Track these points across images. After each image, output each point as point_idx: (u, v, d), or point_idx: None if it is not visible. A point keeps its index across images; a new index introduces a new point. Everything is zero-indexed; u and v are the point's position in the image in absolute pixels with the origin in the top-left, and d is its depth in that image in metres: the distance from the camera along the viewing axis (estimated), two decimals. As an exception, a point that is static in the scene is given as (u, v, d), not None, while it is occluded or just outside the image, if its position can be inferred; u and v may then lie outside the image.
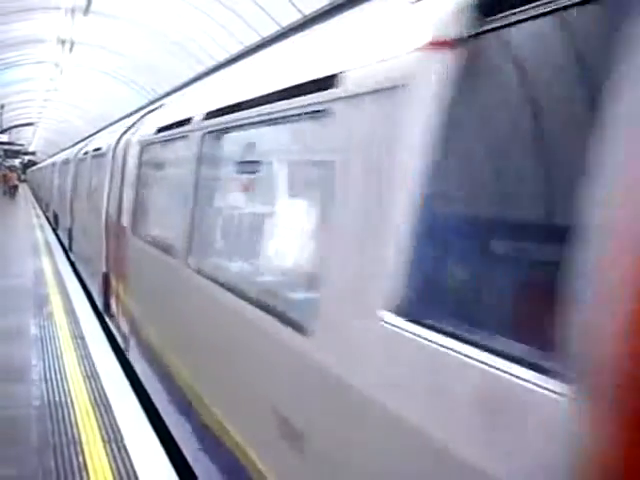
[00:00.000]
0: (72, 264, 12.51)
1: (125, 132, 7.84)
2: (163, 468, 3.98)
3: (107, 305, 7.69)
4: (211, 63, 22.06)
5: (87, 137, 18.15)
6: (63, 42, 30.18)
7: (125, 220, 6.49)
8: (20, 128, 53.91)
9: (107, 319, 7.66)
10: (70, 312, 8.19)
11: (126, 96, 37.06)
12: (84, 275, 10.57)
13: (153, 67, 31.39)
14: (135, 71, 34.52)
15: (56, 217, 18.75)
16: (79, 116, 51.19)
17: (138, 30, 27.88)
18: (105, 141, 9.67)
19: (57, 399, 5.12)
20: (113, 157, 8.04)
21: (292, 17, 15.84)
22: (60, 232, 16.90)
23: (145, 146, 6.12)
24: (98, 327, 7.46)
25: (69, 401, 5.08)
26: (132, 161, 6.63)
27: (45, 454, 4.15)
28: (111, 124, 14.55)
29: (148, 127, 6.24)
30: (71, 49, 31.23)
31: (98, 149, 10.12)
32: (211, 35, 24.18)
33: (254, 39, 18.40)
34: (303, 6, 16.16)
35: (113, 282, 7.29)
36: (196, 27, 24.49)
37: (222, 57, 21.30)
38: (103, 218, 8.10)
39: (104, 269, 7.82)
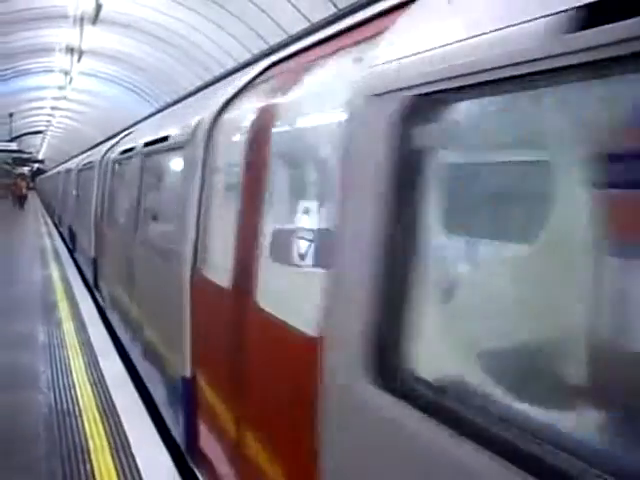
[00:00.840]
0: (98, 304, 9.29)
1: (231, 100, 3.99)
2: (170, 476, 3.96)
3: (193, 442, 3.90)
4: (219, 71, 22.11)
5: (114, 135, 13.98)
6: (72, 51, 30.42)
7: (298, 319, 2.40)
8: (29, 136, 54.30)
9: (197, 472, 3.84)
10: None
11: (134, 104, 37.27)
12: (132, 354, 6.37)
13: (161, 75, 31.55)
14: (143, 79, 34.72)
15: (72, 235, 15.27)
16: (87, 124, 51.48)
17: (146, 39, 28.05)
18: (172, 126, 5.54)
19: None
20: (207, 152, 4.02)
21: (298, 24, 15.90)
22: (79, 256, 13.50)
23: (420, 108, 1.69)
24: None
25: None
26: (317, 161, 2.99)
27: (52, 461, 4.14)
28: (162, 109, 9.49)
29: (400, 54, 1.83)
30: (80, 58, 31.45)
31: (159, 140, 5.81)
32: (218, 43, 24.30)
33: (262, 47, 18.46)
34: (309, 13, 16.22)
35: (216, 407, 3.53)
36: (203, 35, 24.62)
37: (230, 65, 21.36)
38: (185, 274, 4.00)
39: (187, 372, 3.95)
